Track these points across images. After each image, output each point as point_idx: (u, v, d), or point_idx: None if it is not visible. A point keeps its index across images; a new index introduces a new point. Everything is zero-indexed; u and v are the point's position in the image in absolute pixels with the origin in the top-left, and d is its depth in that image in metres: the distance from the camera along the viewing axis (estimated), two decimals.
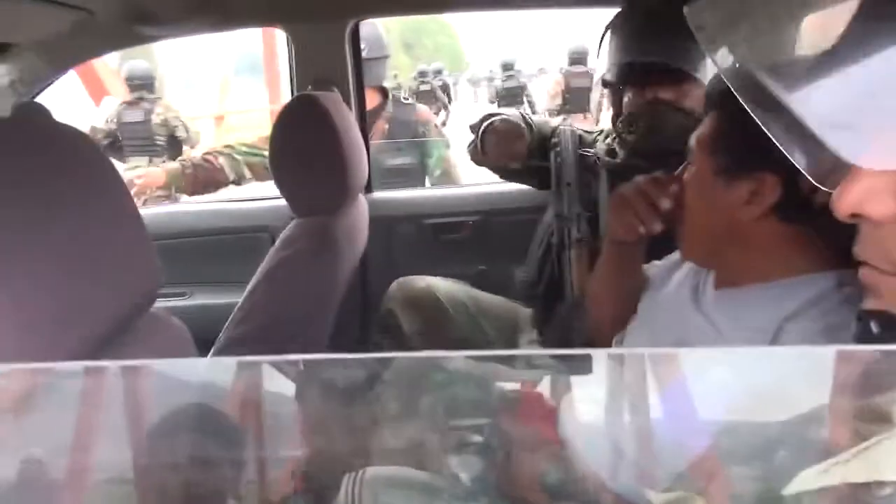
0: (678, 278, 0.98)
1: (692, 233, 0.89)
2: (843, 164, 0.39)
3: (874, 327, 0.45)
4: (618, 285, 1.04)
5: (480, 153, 1.45)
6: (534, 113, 4.70)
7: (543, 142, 1.42)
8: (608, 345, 1.03)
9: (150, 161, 4.45)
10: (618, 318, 1.02)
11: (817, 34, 0.40)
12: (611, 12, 1.37)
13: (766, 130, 0.41)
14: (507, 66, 8.86)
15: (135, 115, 4.50)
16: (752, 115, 0.42)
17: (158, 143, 4.52)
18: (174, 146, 4.59)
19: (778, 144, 0.41)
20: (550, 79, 7.81)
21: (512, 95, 8.45)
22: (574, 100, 6.41)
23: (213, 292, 1.78)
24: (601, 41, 1.34)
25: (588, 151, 1.41)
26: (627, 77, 1.26)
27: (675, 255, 1.02)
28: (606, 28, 1.33)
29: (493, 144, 1.41)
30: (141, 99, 4.52)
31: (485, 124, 1.43)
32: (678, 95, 1.22)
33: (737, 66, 0.41)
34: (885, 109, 0.37)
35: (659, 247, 1.01)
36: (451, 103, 11.43)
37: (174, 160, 4.56)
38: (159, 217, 1.84)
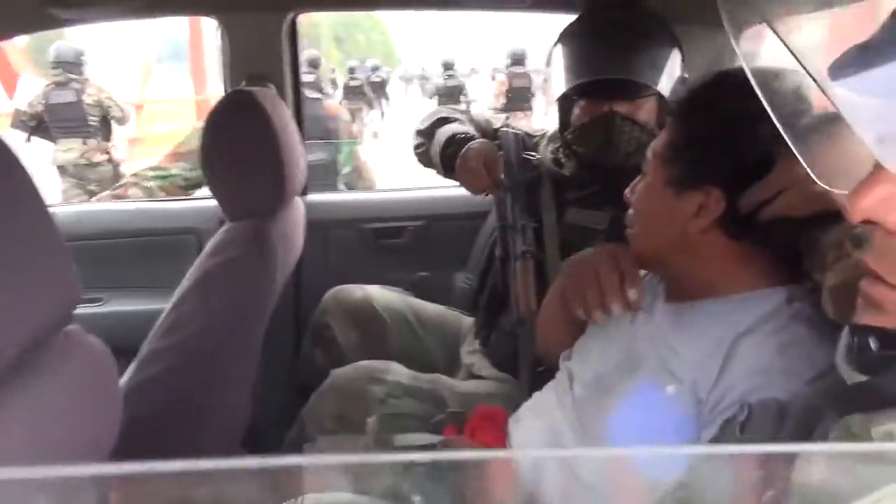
0: None
1: (644, 242, 0.89)
2: (856, 166, 0.37)
3: (873, 344, 0.44)
4: (568, 320, 1.02)
5: (456, 178, 1.33)
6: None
7: None
8: (555, 361, 1.01)
9: (84, 142, 4.50)
10: (567, 340, 1.01)
11: (862, 23, 0.37)
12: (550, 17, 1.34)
13: (776, 122, 0.38)
14: (447, 66, 9.46)
15: (65, 97, 4.46)
16: (763, 103, 0.39)
17: (91, 123, 4.51)
18: (105, 127, 4.61)
19: (786, 137, 0.38)
20: (495, 79, 8.46)
21: (452, 94, 9.02)
22: (515, 99, 7.25)
23: (131, 298, 1.67)
24: (552, 51, 1.32)
25: (532, 155, 1.38)
26: (584, 91, 1.23)
27: None
28: (559, 38, 1.31)
29: (474, 173, 1.26)
30: (70, 80, 4.46)
31: (462, 149, 1.29)
32: (633, 108, 1.21)
33: (763, 47, 0.38)
34: None
35: None
36: (387, 101, 11.57)
37: (107, 140, 4.62)
38: (73, 216, 1.71)
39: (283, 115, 1.22)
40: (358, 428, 1.08)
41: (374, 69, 11.91)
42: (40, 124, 4.47)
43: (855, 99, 0.36)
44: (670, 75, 1.23)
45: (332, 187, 2.62)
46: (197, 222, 1.66)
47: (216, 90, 1.54)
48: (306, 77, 8.04)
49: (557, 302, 1.04)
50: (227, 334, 1.11)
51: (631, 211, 0.91)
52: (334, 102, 2.89)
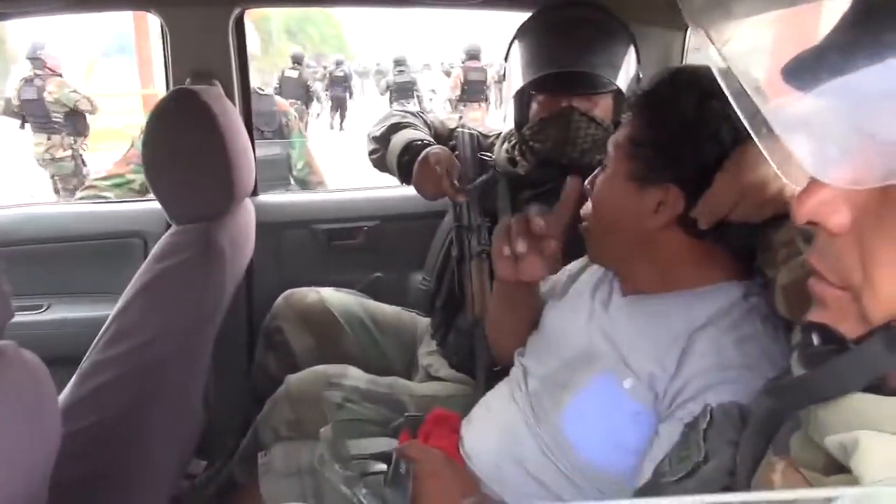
0: (584, 282, 0.97)
1: (602, 236, 0.89)
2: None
3: (815, 339, 0.45)
4: (515, 317, 1.02)
5: (412, 185, 1.31)
6: (422, 108, 4.89)
7: (443, 145, 1.38)
8: (510, 360, 1.01)
9: (49, 138, 4.65)
10: (518, 339, 1.00)
11: (794, 39, 0.38)
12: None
13: (741, 117, 0.38)
14: (399, 62, 9.63)
15: (29, 93, 4.62)
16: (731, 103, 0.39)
17: (55, 119, 4.63)
18: (75, 121, 4.73)
19: (750, 131, 0.38)
20: (451, 75, 8.78)
21: (404, 90, 9.24)
22: (471, 91, 7.76)
23: (75, 304, 1.60)
24: (510, 47, 1.31)
25: (487, 155, 1.38)
26: (544, 85, 1.22)
27: (581, 260, 1.02)
28: (517, 34, 1.30)
29: (432, 182, 1.26)
30: (36, 76, 4.61)
31: (419, 157, 1.28)
32: (591, 105, 1.21)
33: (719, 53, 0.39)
34: (858, 127, 0.35)
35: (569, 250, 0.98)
36: (350, 96, 11.59)
37: (81, 134, 4.74)
38: (14, 219, 1.63)
39: (230, 114, 1.18)
40: (314, 434, 1.06)
41: (338, 64, 11.88)
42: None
43: (787, 110, 0.36)
44: (627, 73, 1.23)
45: (286, 182, 2.64)
46: (144, 225, 1.60)
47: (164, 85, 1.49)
48: (289, 73, 8.14)
49: (501, 299, 1.03)
50: (176, 342, 1.07)
51: (588, 204, 0.90)
52: (281, 98, 2.98)
